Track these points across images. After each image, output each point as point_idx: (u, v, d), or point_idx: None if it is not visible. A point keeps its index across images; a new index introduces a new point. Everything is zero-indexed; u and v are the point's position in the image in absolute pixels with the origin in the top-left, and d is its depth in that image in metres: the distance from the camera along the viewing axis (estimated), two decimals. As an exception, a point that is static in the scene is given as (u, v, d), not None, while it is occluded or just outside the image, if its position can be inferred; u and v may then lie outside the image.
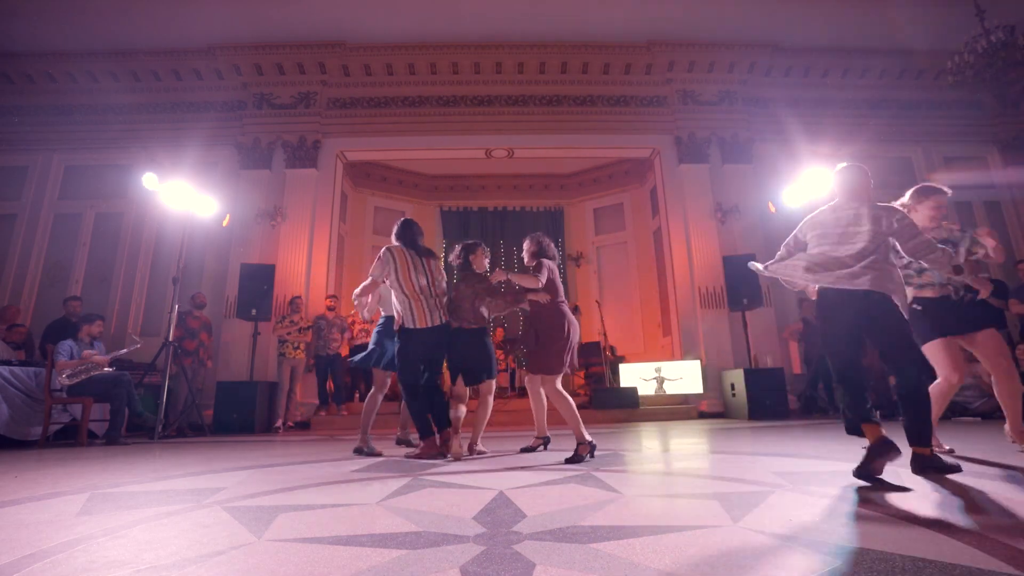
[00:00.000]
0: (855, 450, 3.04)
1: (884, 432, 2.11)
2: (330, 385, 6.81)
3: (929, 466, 2.16)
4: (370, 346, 3.75)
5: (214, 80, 8.24)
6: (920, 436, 2.19)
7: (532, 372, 3.34)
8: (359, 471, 2.74)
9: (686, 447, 3.67)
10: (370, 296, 3.61)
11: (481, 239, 10.48)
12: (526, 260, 3.52)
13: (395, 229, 3.54)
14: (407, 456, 3.34)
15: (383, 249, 3.40)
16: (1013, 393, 2.84)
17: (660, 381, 7.29)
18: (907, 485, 1.97)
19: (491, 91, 8.44)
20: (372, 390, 3.75)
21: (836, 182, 2.56)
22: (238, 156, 7.97)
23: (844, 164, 2.61)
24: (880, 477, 2.06)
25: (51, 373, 4.79)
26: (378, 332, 3.78)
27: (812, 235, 2.51)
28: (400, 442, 4.19)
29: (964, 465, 2.34)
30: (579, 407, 6.73)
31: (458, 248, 3.56)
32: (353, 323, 7.22)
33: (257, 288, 6.70)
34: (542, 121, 8.43)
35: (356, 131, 8.29)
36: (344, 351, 6.95)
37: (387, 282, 3.39)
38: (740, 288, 7.01)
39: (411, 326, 3.29)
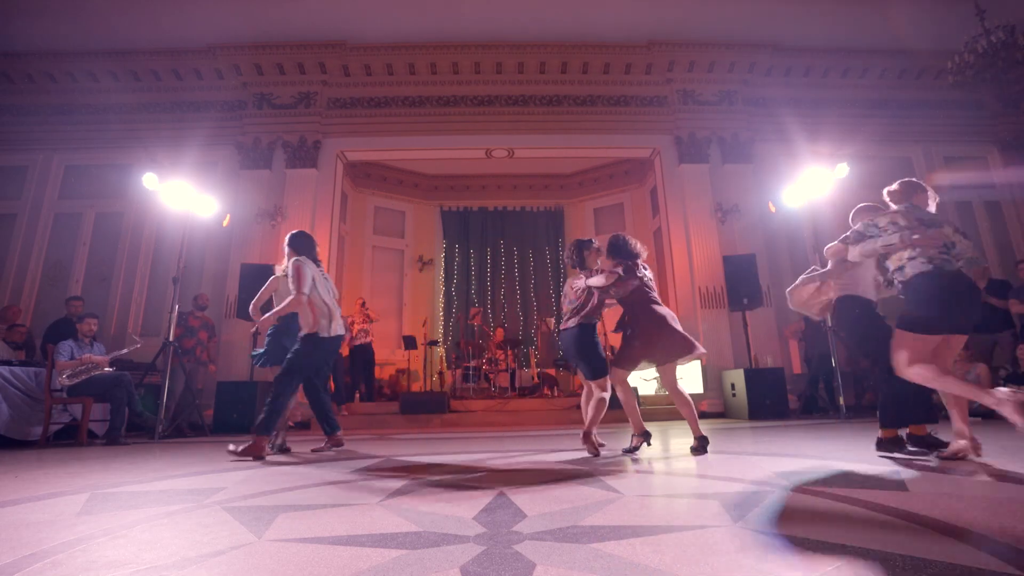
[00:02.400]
0: (855, 449, 3.04)
1: None
2: (330, 385, 6.81)
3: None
4: (266, 346, 3.85)
5: (214, 80, 8.24)
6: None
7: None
8: (359, 471, 2.74)
9: (686, 447, 3.66)
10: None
11: (481, 239, 10.66)
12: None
13: (298, 242, 3.71)
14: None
15: (296, 262, 3.54)
16: None
17: (660, 381, 7.29)
18: (908, 484, 1.97)
19: (491, 91, 8.44)
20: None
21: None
22: (238, 156, 7.97)
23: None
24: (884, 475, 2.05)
25: (51, 373, 4.79)
26: (277, 331, 3.86)
27: None
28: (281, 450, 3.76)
29: (964, 466, 2.33)
30: (579, 407, 6.70)
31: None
32: (352, 323, 7.22)
33: (257, 288, 6.68)
34: (542, 121, 8.43)
35: (356, 131, 8.30)
36: (344, 351, 6.96)
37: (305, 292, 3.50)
38: (740, 288, 7.01)
39: (325, 334, 3.54)
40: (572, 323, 3.36)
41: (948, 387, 2.41)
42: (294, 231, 3.82)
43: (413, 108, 8.37)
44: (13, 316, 6.40)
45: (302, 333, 3.57)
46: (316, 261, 3.73)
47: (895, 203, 2.80)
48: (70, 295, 6.87)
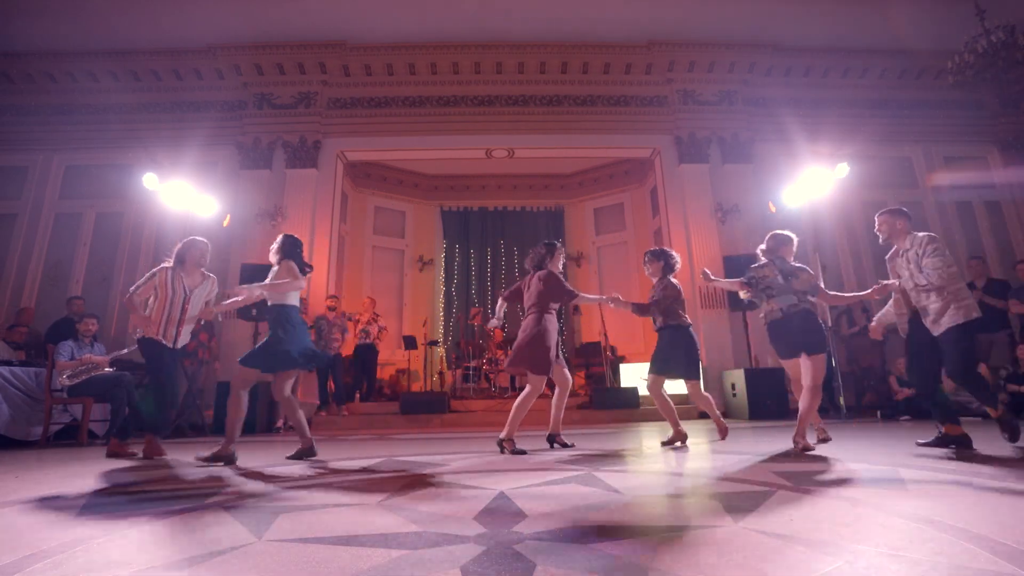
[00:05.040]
0: (855, 450, 3.05)
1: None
2: (331, 385, 6.81)
3: None
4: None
5: (214, 80, 8.24)
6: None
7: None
8: (359, 471, 2.74)
9: (687, 447, 3.66)
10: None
11: (481, 239, 10.66)
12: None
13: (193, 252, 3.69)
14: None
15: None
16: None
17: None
18: (908, 484, 1.97)
19: (491, 91, 8.44)
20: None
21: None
22: (238, 156, 7.97)
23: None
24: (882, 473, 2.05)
25: (51, 373, 4.79)
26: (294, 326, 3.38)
27: None
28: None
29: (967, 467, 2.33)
30: (579, 407, 6.70)
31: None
32: (358, 319, 7.24)
33: (257, 288, 6.71)
34: (542, 121, 8.43)
35: (356, 131, 8.30)
36: (344, 351, 6.96)
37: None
38: (741, 288, 7.00)
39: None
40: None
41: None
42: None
43: (413, 108, 8.37)
44: (28, 319, 6.47)
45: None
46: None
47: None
48: (71, 295, 6.89)
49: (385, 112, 8.34)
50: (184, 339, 3.75)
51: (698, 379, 3.88)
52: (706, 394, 4.03)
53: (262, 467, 3.03)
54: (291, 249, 3.45)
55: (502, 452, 3.38)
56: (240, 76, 8.12)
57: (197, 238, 3.85)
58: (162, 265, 3.74)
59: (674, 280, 3.95)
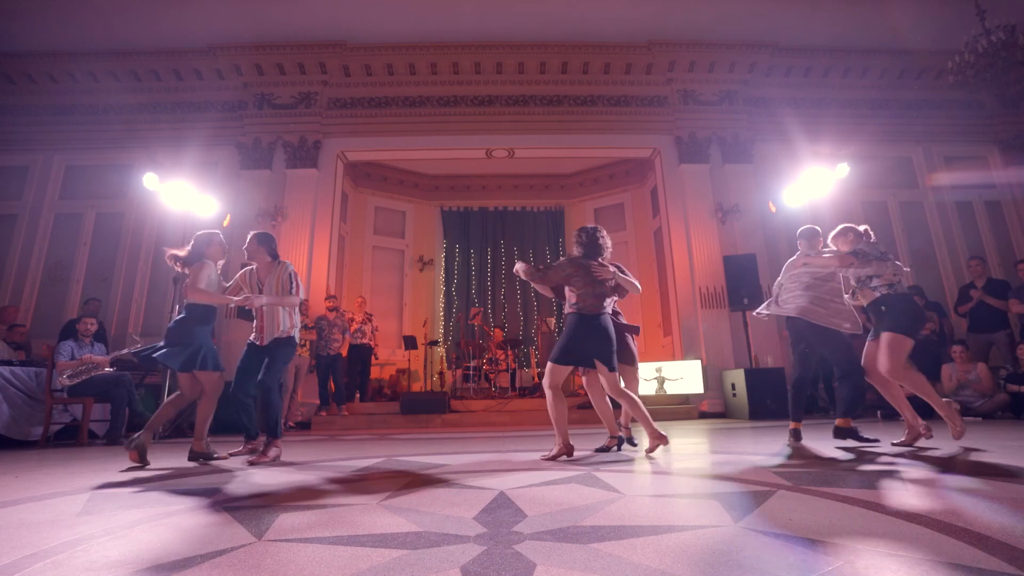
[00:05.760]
0: (855, 449, 3.04)
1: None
2: (331, 385, 6.82)
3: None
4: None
5: (215, 80, 8.24)
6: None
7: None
8: (360, 471, 2.74)
9: (687, 447, 3.66)
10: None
11: (481, 239, 10.66)
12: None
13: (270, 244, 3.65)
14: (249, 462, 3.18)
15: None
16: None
17: (661, 381, 7.29)
18: (909, 484, 1.97)
19: (491, 91, 8.44)
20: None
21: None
22: (238, 156, 7.97)
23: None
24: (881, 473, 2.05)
25: (52, 373, 4.79)
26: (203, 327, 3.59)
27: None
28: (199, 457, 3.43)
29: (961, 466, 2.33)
30: (580, 407, 6.70)
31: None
32: (351, 319, 7.24)
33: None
34: (542, 121, 8.43)
35: (357, 131, 8.30)
36: (345, 351, 6.97)
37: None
38: (741, 288, 7.01)
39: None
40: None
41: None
42: (261, 232, 3.73)
43: (413, 108, 8.37)
44: (11, 316, 6.42)
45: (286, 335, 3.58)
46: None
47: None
48: (87, 296, 7.10)
49: (385, 112, 8.34)
50: (272, 334, 3.59)
51: (611, 368, 3.15)
52: (631, 394, 3.29)
53: (262, 467, 3.03)
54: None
55: (619, 447, 3.42)
56: (240, 76, 8.13)
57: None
58: (244, 268, 3.77)
59: (585, 262, 3.29)
